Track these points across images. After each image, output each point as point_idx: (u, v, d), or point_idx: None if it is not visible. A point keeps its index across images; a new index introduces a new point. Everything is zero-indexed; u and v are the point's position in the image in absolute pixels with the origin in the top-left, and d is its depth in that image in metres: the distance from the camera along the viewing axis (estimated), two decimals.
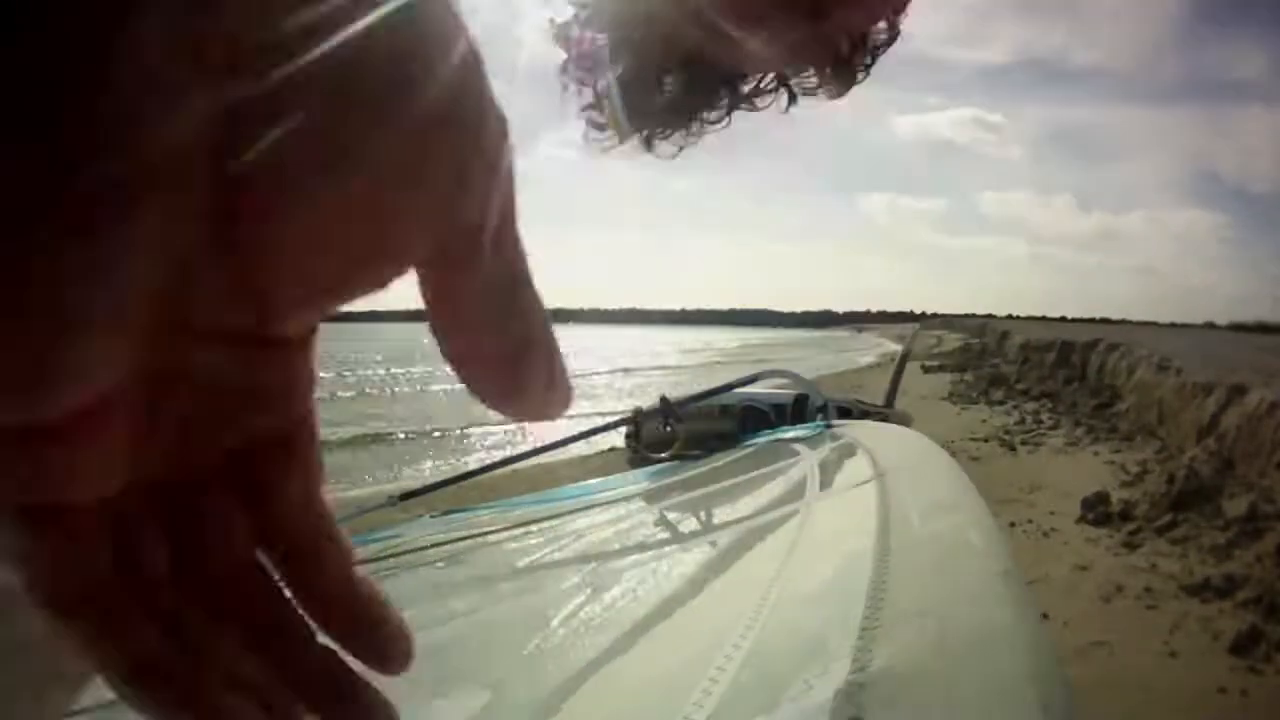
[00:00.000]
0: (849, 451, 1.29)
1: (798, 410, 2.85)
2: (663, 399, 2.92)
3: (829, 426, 1.72)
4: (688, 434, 3.68)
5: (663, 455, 2.52)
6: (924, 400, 8.92)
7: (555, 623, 0.83)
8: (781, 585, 0.67)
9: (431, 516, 1.98)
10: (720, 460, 1.82)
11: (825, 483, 1.16)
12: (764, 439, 1.95)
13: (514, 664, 0.75)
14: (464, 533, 1.55)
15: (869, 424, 1.92)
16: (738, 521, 1.17)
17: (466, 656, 0.83)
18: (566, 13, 0.56)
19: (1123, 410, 5.68)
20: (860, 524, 0.79)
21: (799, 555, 0.78)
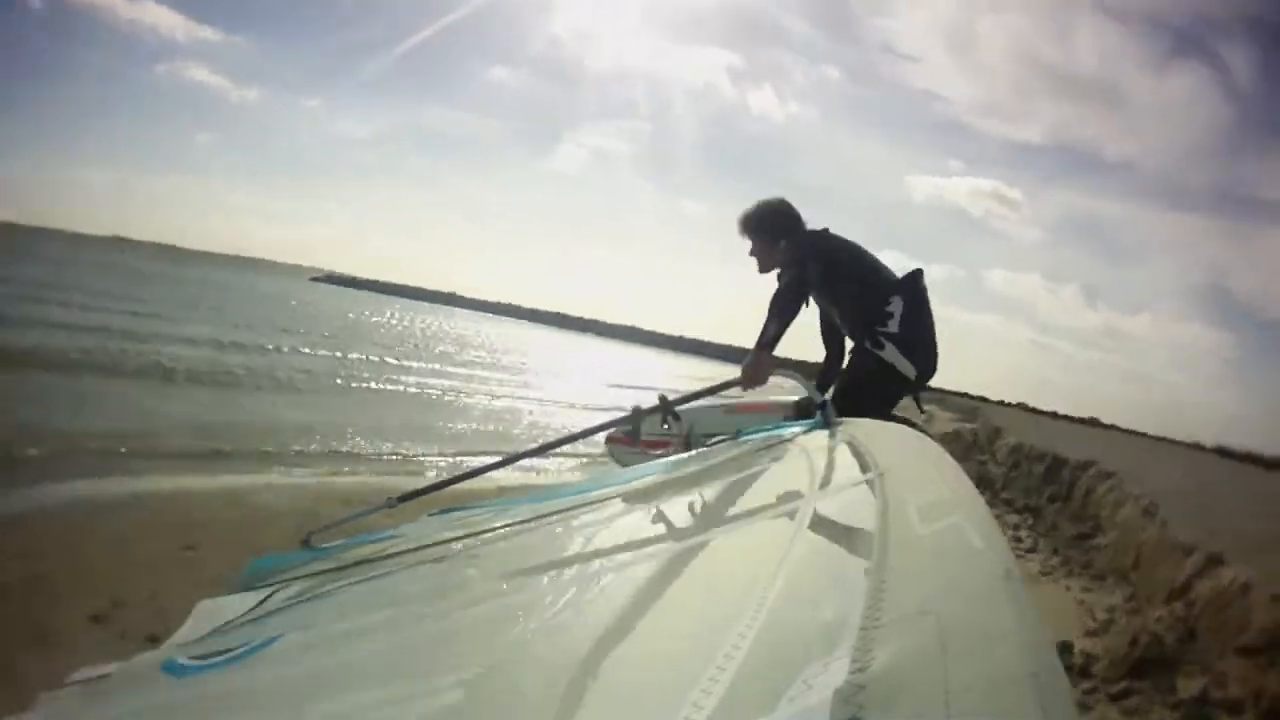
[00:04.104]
0: (848, 449, 1.29)
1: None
2: (661, 398, 2.97)
3: (828, 423, 1.72)
4: (689, 431, 3.71)
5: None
6: None
7: (554, 620, 0.84)
8: (781, 583, 0.67)
9: (430, 516, 1.99)
10: (718, 456, 1.81)
11: (825, 480, 1.17)
12: (762, 434, 1.92)
13: (512, 661, 0.75)
14: (461, 532, 1.55)
15: (868, 421, 1.89)
16: (737, 519, 1.17)
17: (465, 653, 0.84)
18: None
19: (1102, 545, 5.63)
20: (860, 522, 0.80)
21: (798, 553, 0.79)
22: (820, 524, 0.90)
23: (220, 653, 1.05)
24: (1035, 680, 0.41)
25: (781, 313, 2.53)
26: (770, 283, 2.67)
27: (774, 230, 2.74)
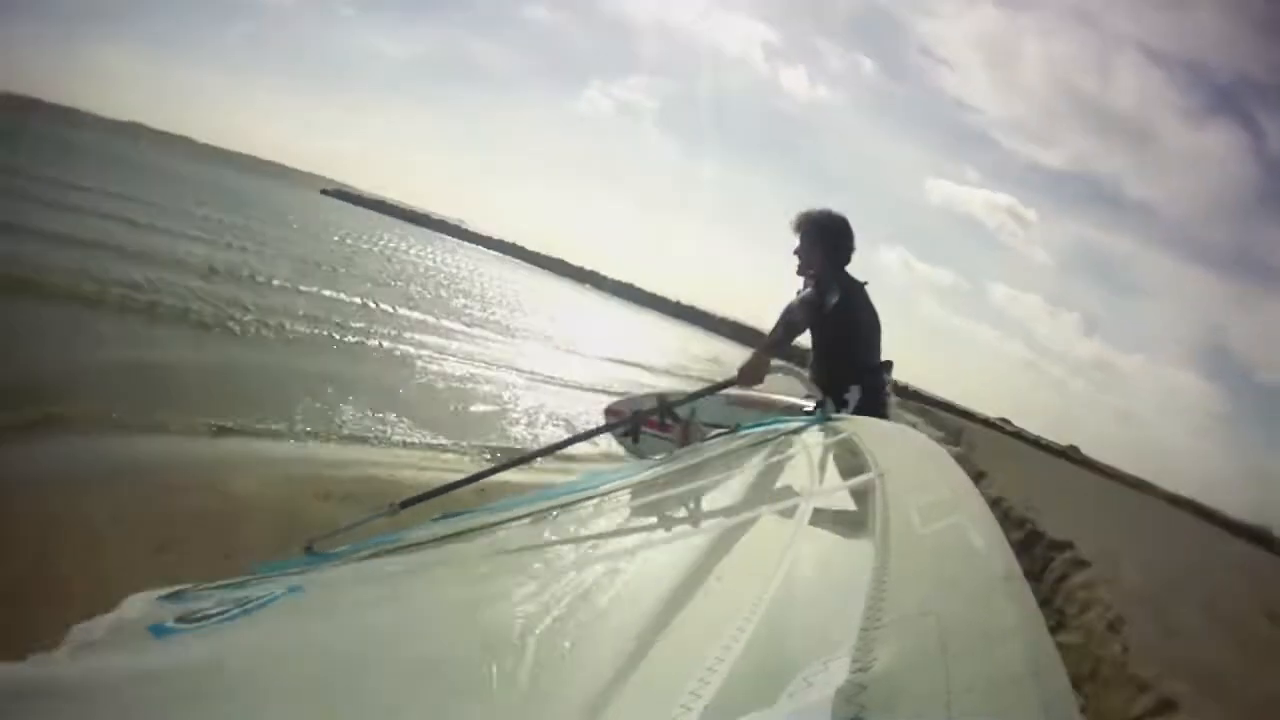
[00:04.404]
0: (848, 447, 1.28)
1: None
2: (660, 398, 3.06)
3: (828, 419, 1.72)
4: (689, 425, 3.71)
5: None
6: None
7: (554, 615, 0.85)
8: (780, 581, 0.67)
9: (433, 520, 1.99)
10: (717, 451, 1.82)
11: (825, 479, 1.18)
12: (761, 429, 1.93)
13: (514, 657, 0.75)
14: (464, 529, 1.56)
15: (868, 420, 1.92)
16: (736, 516, 1.17)
17: (468, 650, 0.84)
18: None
19: (1063, 644, 5.57)
20: (860, 522, 0.80)
21: (798, 551, 0.79)
22: (820, 522, 0.90)
23: (210, 615, 1.05)
24: (1037, 680, 0.41)
25: (790, 326, 2.67)
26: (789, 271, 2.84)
27: (824, 241, 2.82)
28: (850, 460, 1.18)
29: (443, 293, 17.97)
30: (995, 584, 0.53)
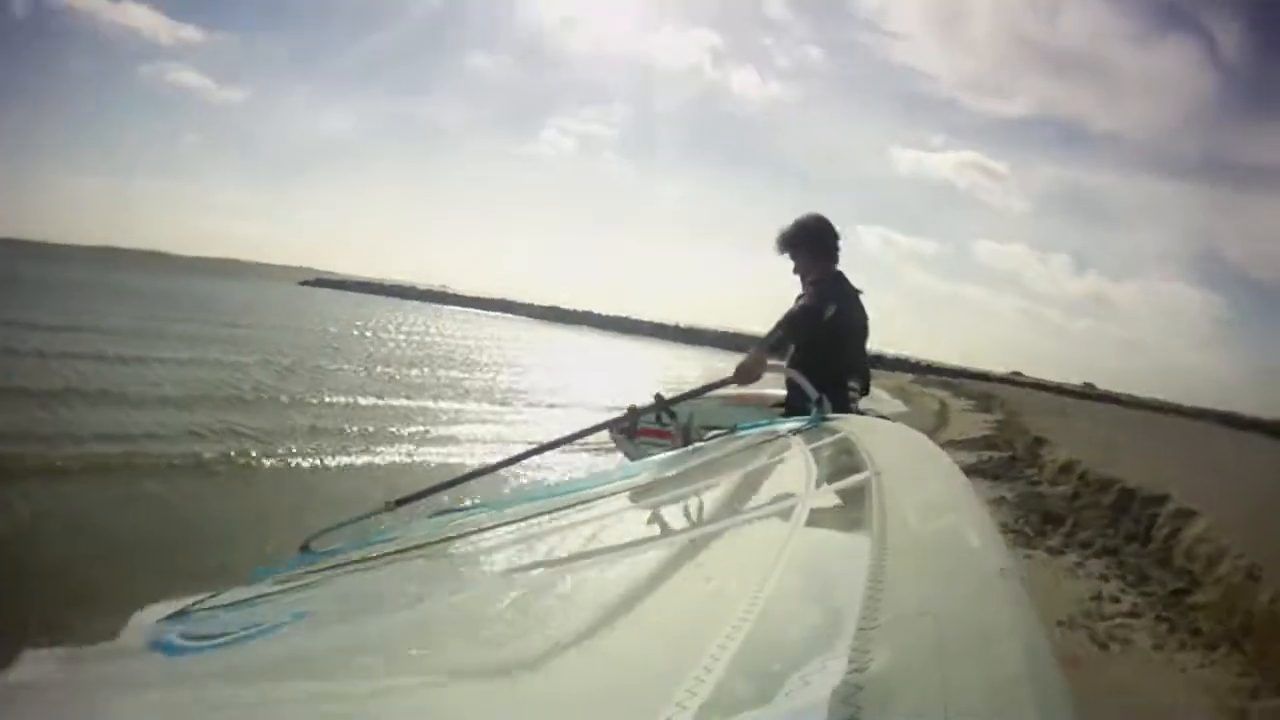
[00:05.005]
0: (845, 447, 1.28)
1: None
2: (657, 396, 3.02)
3: (824, 419, 1.71)
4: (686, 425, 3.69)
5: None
6: None
7: (546, 616, 0.86)
8: (776, 582, 0.67)
9: (429, 518, 1.99)
10: (714, 452, 1.81)
11: (821, 478, 1.16)
12: (759, 429, 1.94)
13: (509, 656, 0.75)
14: (458, 531, 1.55)
15: (864, 419, 1.93)
16: (732, 516, 1.16)
17: (463, 650, 0.84)
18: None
19: (1202, 604, 5.34)
20: (856, 521, 0.79)
21: (794, 552, 0.78)
22: (816, 522, 0.90)
23: (216, 635, 1.06)
24: (1033, 680, 0.40)
25: (788, 332, 2.75)
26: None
27: (809, 248, 2.93)
28: (846, 459, 1.19)
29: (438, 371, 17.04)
30: (992, 583, 0.53)
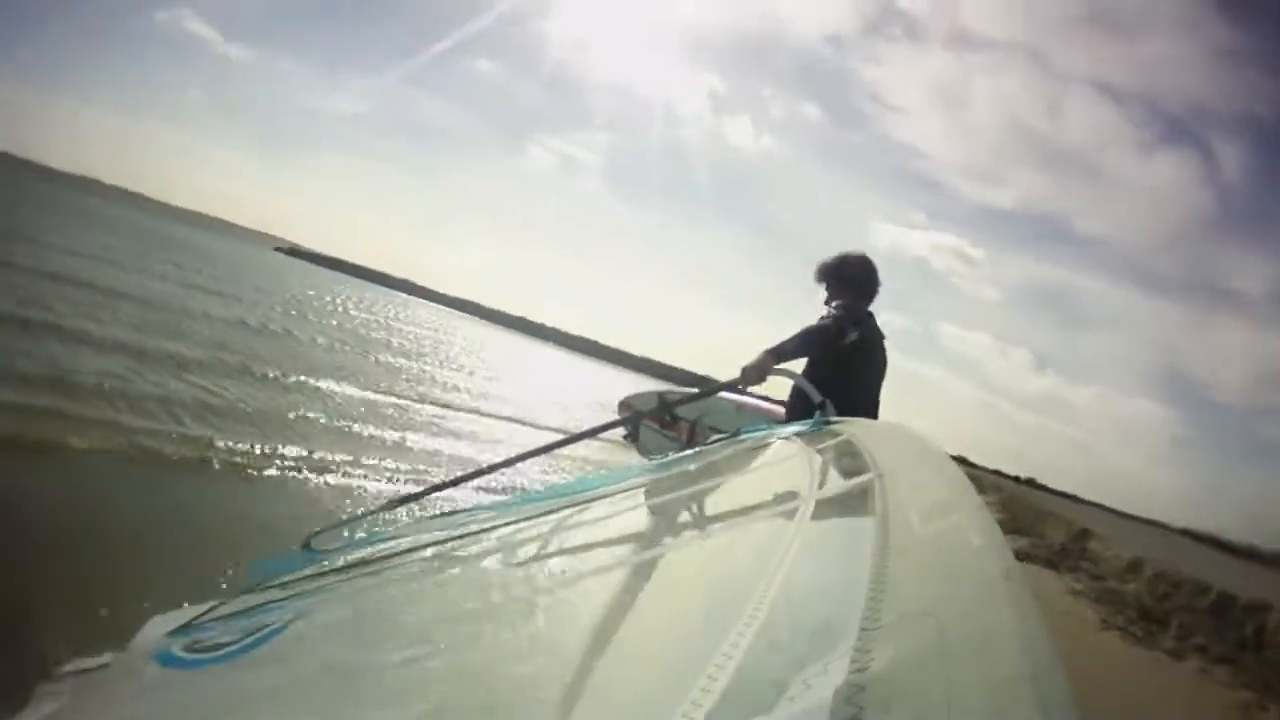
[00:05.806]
0: (848, 449, 1.28)
1: None
2: (660, 397, 3.07)
3: (827, 423, 1.72)
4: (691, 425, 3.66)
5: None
6: (1068, 618, 6.57)
7: (551, 618, 0.86)
8: (779, 583, 0.67)
9: (431, 517, 2.01)
10: (718, 454, 1.81)
11: (824, 480, 1.16)
12: (761, 432, 1.94)
13: (510, 659, 0.75)
14: (460, 532, 1.54)
15: (866, 421, 1.92)
16: (736, 519, 1.17)
17: (468, 651, 0.84)
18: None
19: None
20: (859, 523, 0.80)
21: (797, 553, 0.78)
22: (819, 524, 0.90)
23: (219, 646, 1.06)
24: (1035, 681, 0.41)
25: (804, 345, 2.72)
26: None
27: (846, 284, 2.93)
28: (849, 461, 1.18)
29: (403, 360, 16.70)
30: (995, 584, 0.53)
